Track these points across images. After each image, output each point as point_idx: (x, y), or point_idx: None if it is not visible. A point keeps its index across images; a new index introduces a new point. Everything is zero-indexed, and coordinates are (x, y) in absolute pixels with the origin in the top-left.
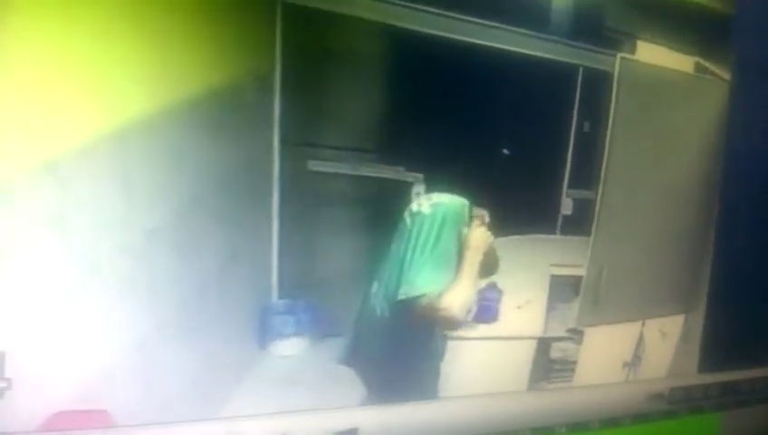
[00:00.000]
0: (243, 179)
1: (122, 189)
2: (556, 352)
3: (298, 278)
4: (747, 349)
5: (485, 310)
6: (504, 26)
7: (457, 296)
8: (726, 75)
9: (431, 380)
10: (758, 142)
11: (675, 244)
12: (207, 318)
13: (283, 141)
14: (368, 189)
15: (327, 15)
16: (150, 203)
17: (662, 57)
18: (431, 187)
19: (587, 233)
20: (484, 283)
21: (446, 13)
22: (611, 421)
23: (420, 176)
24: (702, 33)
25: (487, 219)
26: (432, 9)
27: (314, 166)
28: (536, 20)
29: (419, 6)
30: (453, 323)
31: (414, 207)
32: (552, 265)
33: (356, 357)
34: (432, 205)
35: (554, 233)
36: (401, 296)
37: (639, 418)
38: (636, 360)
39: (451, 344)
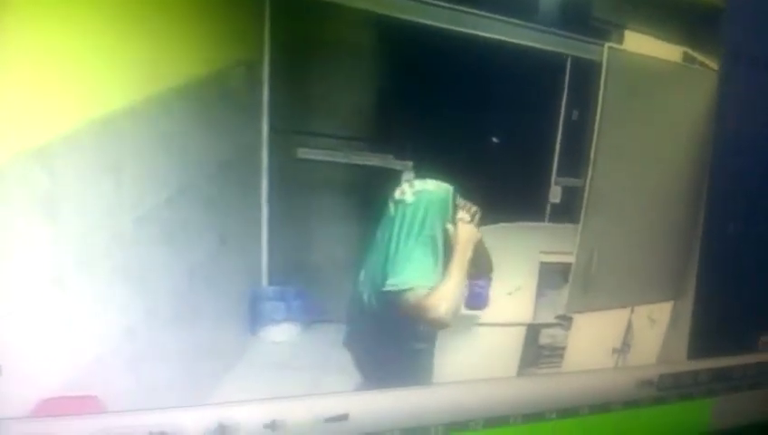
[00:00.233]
0: (232, 167)
1: (111, 177)
2: (545, 338)
3: (288, 265)
4: (736, 335)
5: (476, 296)
6: (493, 15)
7: (445, 296)
8: (715, 65)
9: (422, 365)
10: (747, 131)
11: (663, 231)
12: (198, 305)
13: (273, 129)
14: (357, 177)
15: (316, 3)
16: (140, 190)
17: (650, 47)
18: (420, 174)
19: (575, 220)
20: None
21: (435, 2)
22: (601, 407)
23: (409, 164)
24: (690, 23)
25: (477, 215)
26: None
27: (304, 154)
28: (525, 9)
29: None
30: (438, 324)
31: (397, 194)
32: (541, 252)
33: (350, 341)
34: (415, 192)
35: (543, 220)
36: (387, 288)
37: (629, 404)
38: (625, 346)
39: (442, 331)
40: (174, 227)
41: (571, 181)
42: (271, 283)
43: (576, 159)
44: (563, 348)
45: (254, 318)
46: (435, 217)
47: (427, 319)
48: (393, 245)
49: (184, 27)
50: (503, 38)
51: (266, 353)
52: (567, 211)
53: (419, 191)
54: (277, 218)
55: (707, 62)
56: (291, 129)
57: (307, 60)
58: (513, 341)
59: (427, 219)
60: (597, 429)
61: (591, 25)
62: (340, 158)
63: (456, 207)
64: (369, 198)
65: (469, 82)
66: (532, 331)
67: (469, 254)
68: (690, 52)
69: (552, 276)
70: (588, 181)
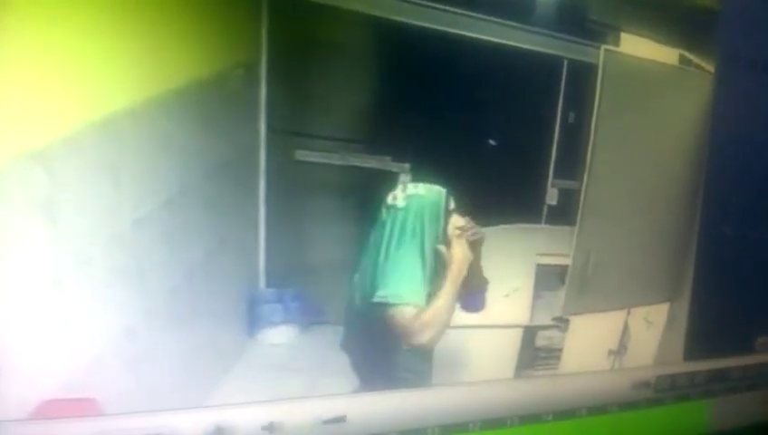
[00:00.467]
0: (230, 169)
1: (111, 178)
2: (542, 340)
3: (286, 267)
4: (732, 337)
5: (473, 299)
6: (490, 18)
7: (431, 323)
8: (711, 67)
9: (415, 368)
10: (743, 132)
11: (660, 233)
12: (196, 307)
13: (271, 131)
14: (354, 179)
15: (313, 6)
16: (139, 192)
17: (646, 49)
18: (417, 177)
19: (572, 222)
20: None
21: (432, 5)
22: (598, 409)
23: (406, 166)
24: (686, 26)
25: (478, 238)
26: (419, 1)
27: (301, 155)
28: (522, 12)
29: None
30: (423, 346)
31: (389, 199)
32: (538, 254)
33: (347, 343)
34: (407, 197)
35: (540, 222)
36: (376, 299)
37: (626, 406)
38: (621, 348)
39: None
40: (173, 229)
41: (568, 183)
42: (268, 285)
43: (573, 161)
44: (560, 350)
45: (252, 320)
46: (426, 223)
47: (410, 342)
48: (383, 251)
49: (182, 29)
50: (500, 41)
51: (264, 355)
52: (564, 213)
53: (411, 196)
54: (275, 220)
55: (703, 64)
56: (289, 130)
57: (305, 62)
58: (510, 343)
59: (417, 226)
60: (594, 430)
61: (588, 28)
62: (337, 160)
63: (449, 212)
64: (366, 199)
65: (466, 85)
66: (529, 333)
67: (464, 274)
68: (686, 54)
69: (548, 278)
70: (584, 183)
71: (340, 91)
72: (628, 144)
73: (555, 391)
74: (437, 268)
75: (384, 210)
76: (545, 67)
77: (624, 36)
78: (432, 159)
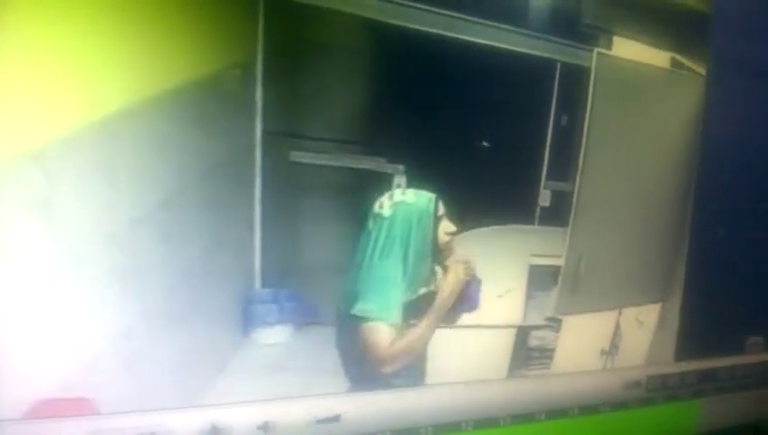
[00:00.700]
0: (226, 169)
1: (107, 179)
2: (535, 340)
3: (281, 267)
4: (723, 337)
5: (467, 299)
6: (484, 21)
7: (403, 353)
8: (702, 70)
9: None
10: (734, 134)
11: (651, 234)
12: (192, 307)
13: (266, 132)
14: (349, 180)
15: (309, 7)
16: (136, 192)
17: (638, 52)
18: (411, 178)
19: (565, 224)
20: None
21: (427, 8)
22: (590, 408)
23: (401, 167)
24: (678, 29)
25: (471, 266)
26: (413, 4)
27: (296, 156)
28: (515, 15)
29: (401, 1)
30: (384, 375)
31: (376, 207)
32: (531, 254)
33: (339, 345)
34: (392, 205)
35: (533, 224)
36: (354, 312)
37: (618, 405)
38: (613, 348)
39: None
40: (170, 229)
41: (561, 185)
42: (264, 285)
43: (565, 163)
44: (553, 350)
45: (247, 320)
46: (412, 231)
47: (375, 367)
48: (366, 260)
49: (179, 30)
50: (493, 43)
51: (259, 355)
52: (556, 214)
53: (397, 204)
54: (270, 221)
55: (695, 67)
56: (284, 131)
57: (300, 64)
58: (503, 343)
59: (404, 235)
60: (586, 430)
61: (581, 31)
62: (332, 161)
63: (438, 218)
64: (360, 201)
65: (460, 87)
66: (522, 333)
67: (451, 303)
68: (678, 57)
69: (541, 279)
70: (577, 185)
71: (335, 93)
72: (620, 146)
73: (548, 391)
74: (424, 280)
75: (370, 219)
76: (539, 70)
77: (616, 39)
78: (426, 160)
